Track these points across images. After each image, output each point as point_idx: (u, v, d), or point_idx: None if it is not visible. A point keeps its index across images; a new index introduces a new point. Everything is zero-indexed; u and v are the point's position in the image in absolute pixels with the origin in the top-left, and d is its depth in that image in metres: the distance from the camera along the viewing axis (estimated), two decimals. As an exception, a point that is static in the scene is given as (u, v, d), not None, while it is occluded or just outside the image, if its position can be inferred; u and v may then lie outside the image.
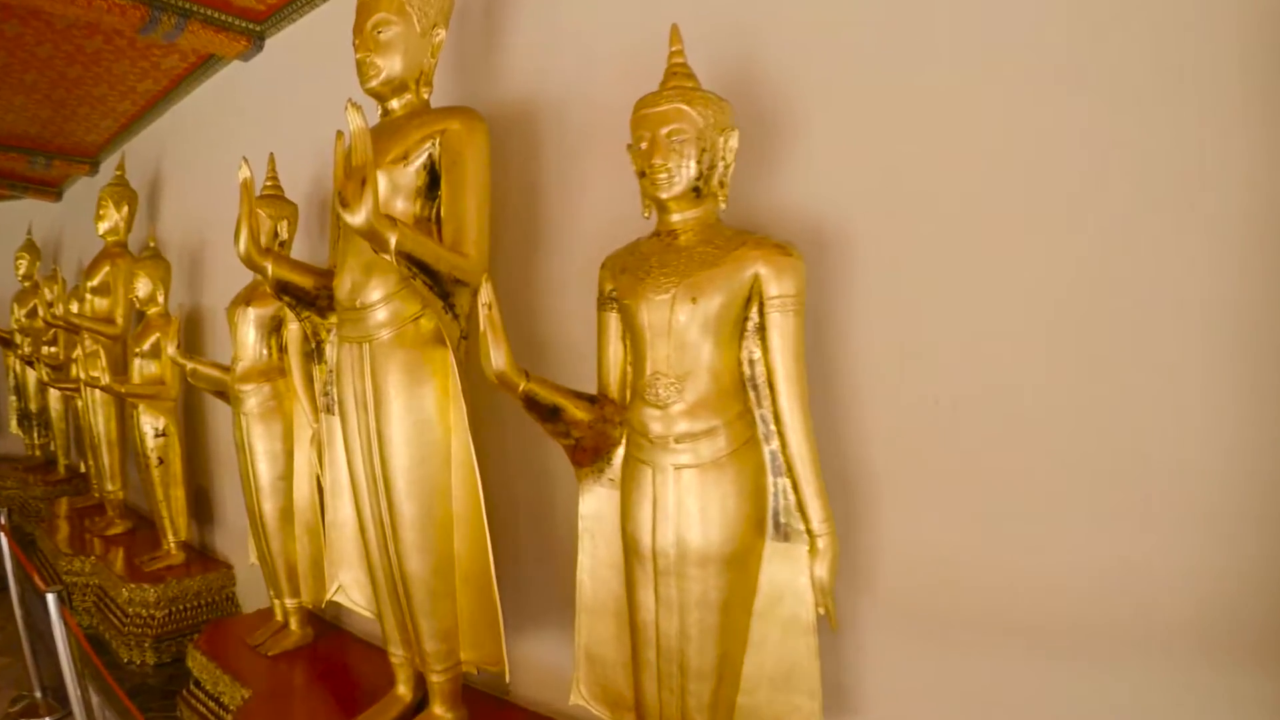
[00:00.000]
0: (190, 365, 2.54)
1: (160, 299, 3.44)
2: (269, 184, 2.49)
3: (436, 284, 1.56)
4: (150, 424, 3.38)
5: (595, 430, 1.40)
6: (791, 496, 1.28)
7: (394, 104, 1.80)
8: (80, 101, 3.79)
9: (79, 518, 4.27)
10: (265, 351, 2.43)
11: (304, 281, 1.86)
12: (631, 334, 1.36)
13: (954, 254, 1.33)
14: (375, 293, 1.68)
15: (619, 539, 1.38)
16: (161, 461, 3.39)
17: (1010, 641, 1.30)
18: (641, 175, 1.31)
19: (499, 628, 1.65)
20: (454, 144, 1.65)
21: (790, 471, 1.27)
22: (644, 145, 1.29)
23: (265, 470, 2.40)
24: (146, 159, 4.16)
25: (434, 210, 1.73)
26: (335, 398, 1.91)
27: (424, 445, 1.69)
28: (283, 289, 1.86)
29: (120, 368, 3.62)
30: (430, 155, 1.68)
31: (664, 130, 1.26)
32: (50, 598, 1.83)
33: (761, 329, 1.27)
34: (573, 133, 1.94)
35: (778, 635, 1.31)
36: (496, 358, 1.29)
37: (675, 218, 1.33)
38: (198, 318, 3.71)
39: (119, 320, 3.76)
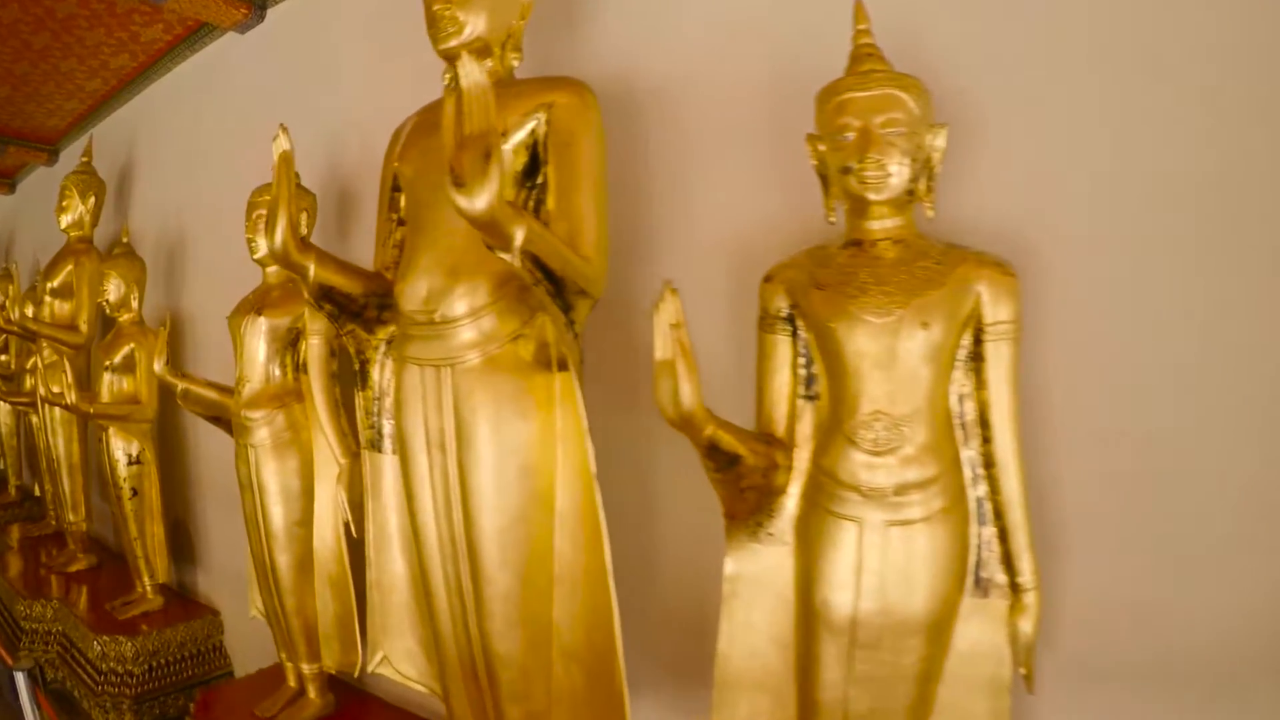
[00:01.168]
0: (182, 386, 2.12)
1: (134, 303, 3.00)
2: (283, 171, 2.09)
3: (560, 294, 1.22)
4: (123, 449, 2.94)
5: (767, 479, 1.20)
6: (996, 547, 1.15)
7: None
8: (45, 77, 3.31)
9: (34, 549, 3.78)
10: (278, 371, 2.02)
11: (352, 287, 1.49)
12: (829, 362, 1.15)
13: (1151, 278, 1.15)
14: (462, 303, 1.33)
15: (780, 605, 1.23)
16: (136, 493, 2.94)
17: (1203, 696, 1.13)
18: (845, 171, 1.11)
19: (623, 711, 1.33)
20: (566, 121, 1.33)
21: (1000, 519, 1.14)
22: (850, 136, 1.10)
23: (279, 514, 2.00)
24: (115, 145, 3.68)
25: (528, 199, 1.39)
26: (394, 433, 1.55)
27: (523, 496, 1.36)
28: (325, 296, 1.48)
29: (85, 383, 3.16)
30: (533, 132, 1.34)
31: (877, 120, 1.08)
32: (19, 676, 1.43)
33: (975, 359, 1.12)
34: (678, 122, 1.62)
35: (966, 699, 1.18)
36: (688, 394, 1.03)
37: (877, 225, 1.14)
38: (175, 326, 3.25)
39: (83, 327, 3.30)
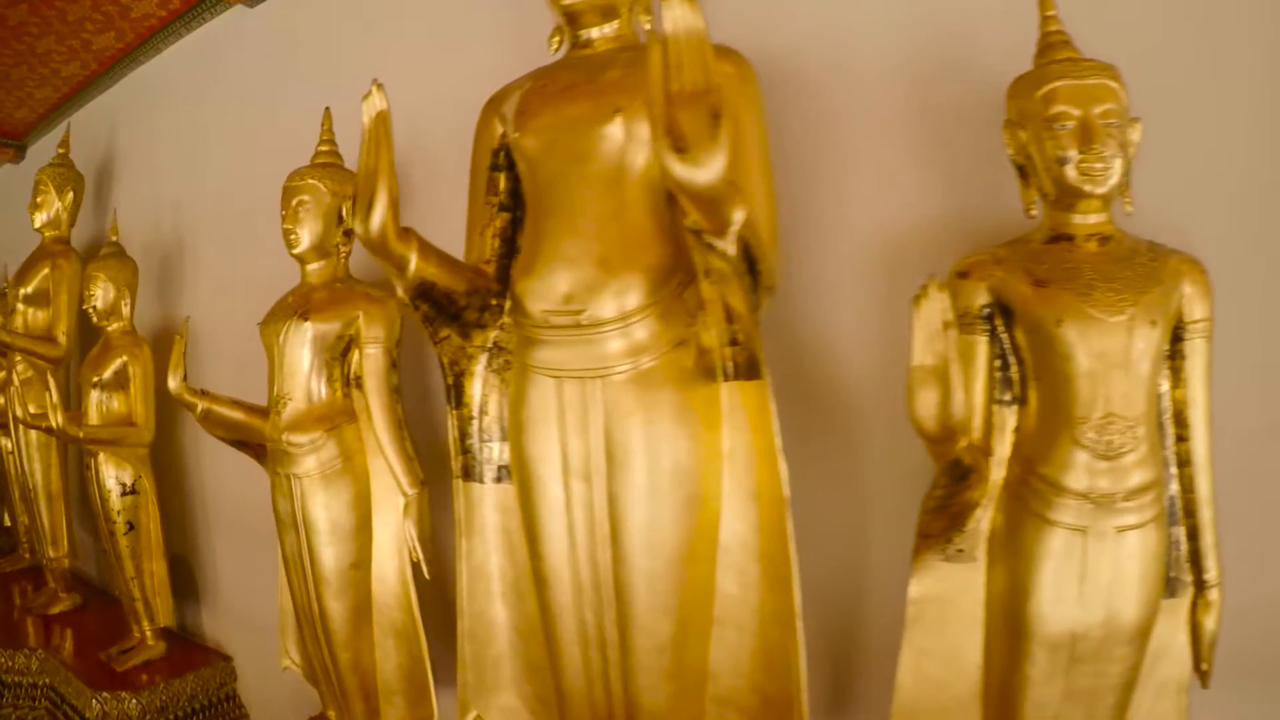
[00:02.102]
0: (202, 406, 1.81)
1: (125, 310, 2.65)
2: (325, 148, 1.81)
3: (756, 289, 1.05)
4: (115, 477, 2.59)
5: (973, 490, 1.13)
6: (1184, 546, 1.15)
7: (595, 33, 1.29)
8: (18, 60, 2.95)
9: (5, 586, 3.38)
10: (324, 387, 1.72)
11: (454, 283, 1.26)
12: (1050, 363, 1.09)
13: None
14: (616, 302, 1.13)
15: (966, 627, 1.17)
16: (132, 526, 2.60)
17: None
18: (1061, 162, 1.07)
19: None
20: (725, 94, 1.09)
21: (1191, 518, 1.14)
22: (1069, 125, 1.06)
23: (331, 556, 1.70)
24: (94, 137, 3.32)
25: None
26: (509, 459, 1.32)
27: (687, 531, 1.18)
28: (423, 294, 1.24)
29: (69, 402, 2.81)
30: None
31: (1095, 110, 1.05)
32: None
33: (1174, 356, 1.12)
34: (823, 100, 1.43)
35: (1154, 701, 1.16)
36: (959, 406, 0.97)
37: (1089, 219, 1.10)
38: (168, 339, 2.89)
39: (61, 338, 2.95)
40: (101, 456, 2.58)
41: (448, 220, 1.89)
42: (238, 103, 2.61)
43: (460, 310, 1.29)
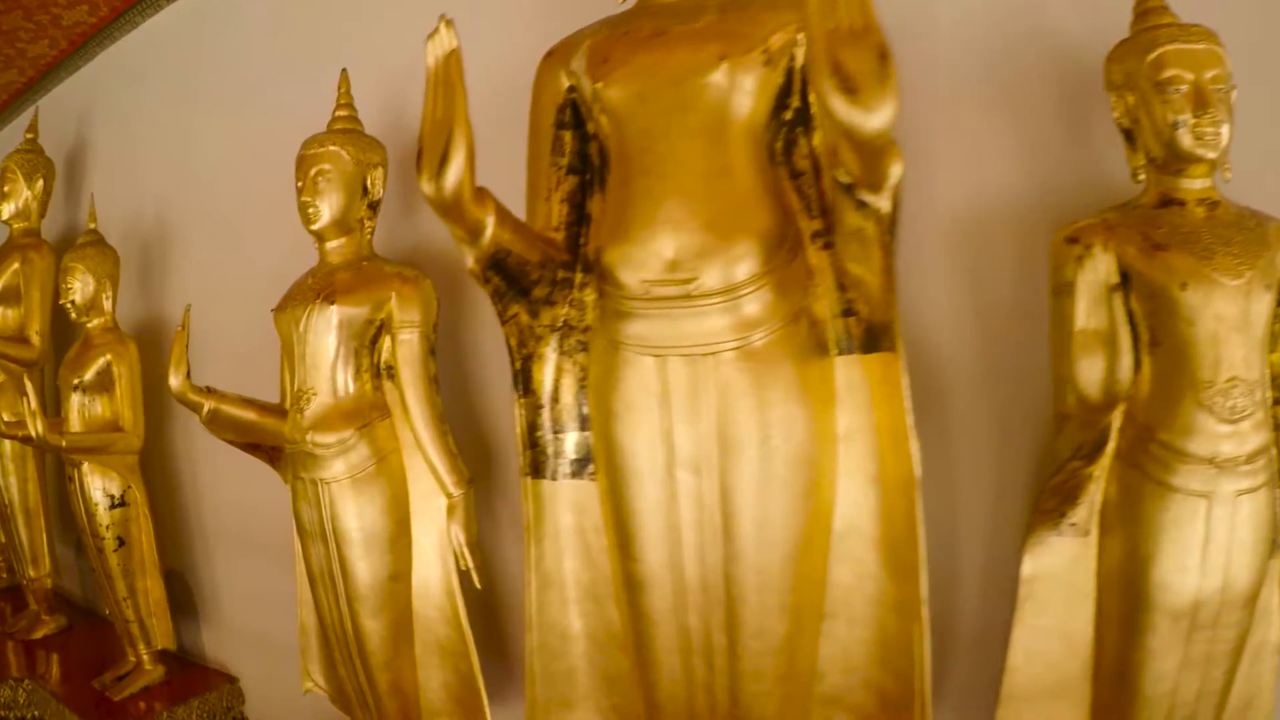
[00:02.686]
0: (209, 406, 1.61)
1: (106, 304, 2.43)
2: (343, 113, 1.61)
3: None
4: (102, 488, 2.37)
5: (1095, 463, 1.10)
6: None
7: None
8: (-25, 35, 2.69)
9: (-21, 609, 3.13)
10: (352, 380, 1.53)
11: (529, 252, 1.12)
12: (1173, 326, 1.06)
13: None
14: (731, 270, 1.02)
15: (1076, 602, 1.14)
16: (123, 542, 2.38)
17: None
18: (1175, 126, 1.06)
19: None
20: None
21: None
22: (1184, 89, 1.05)
23: (366, 570, 1.51)
24: (65, 120, 3.06)
25: (782, 139, 1.11)
26: (600, 451, 1.17)
27: (805, 522, 1.09)
28: (496, 265, 1.10)
29: (45, 407, 2.56)
30: (793, 53, 1.07)
31: (1207, 75, 1.05)
32: None
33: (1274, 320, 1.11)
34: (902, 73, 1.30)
35: (1251, 665, 1.14)
36: (1125, 369, 1.02)
37: (1197, 184, 1.09)
38: (153, 335, 2.68)
39: (35, 339, 2.72)
40: (86, 466, 2.35)
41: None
42: (228, 76, 2.39)
43: (531, 285, 1.16)
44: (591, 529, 1.23)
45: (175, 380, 1.59)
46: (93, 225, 2.44)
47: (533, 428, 1.23)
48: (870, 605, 1.13)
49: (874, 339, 1.08)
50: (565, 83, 1.19)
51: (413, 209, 1.82)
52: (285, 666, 2.31)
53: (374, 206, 1.58)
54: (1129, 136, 1.12)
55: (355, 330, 1.51)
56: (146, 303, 2.74)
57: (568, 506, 1.24)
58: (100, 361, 2.38)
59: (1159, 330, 1.09)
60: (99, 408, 2.41)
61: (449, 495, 1.48)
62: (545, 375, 1.22)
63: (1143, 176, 1.13)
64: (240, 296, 2.29)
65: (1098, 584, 1.15)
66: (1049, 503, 1.13)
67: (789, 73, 1.08)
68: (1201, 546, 1.08)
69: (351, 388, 1.53)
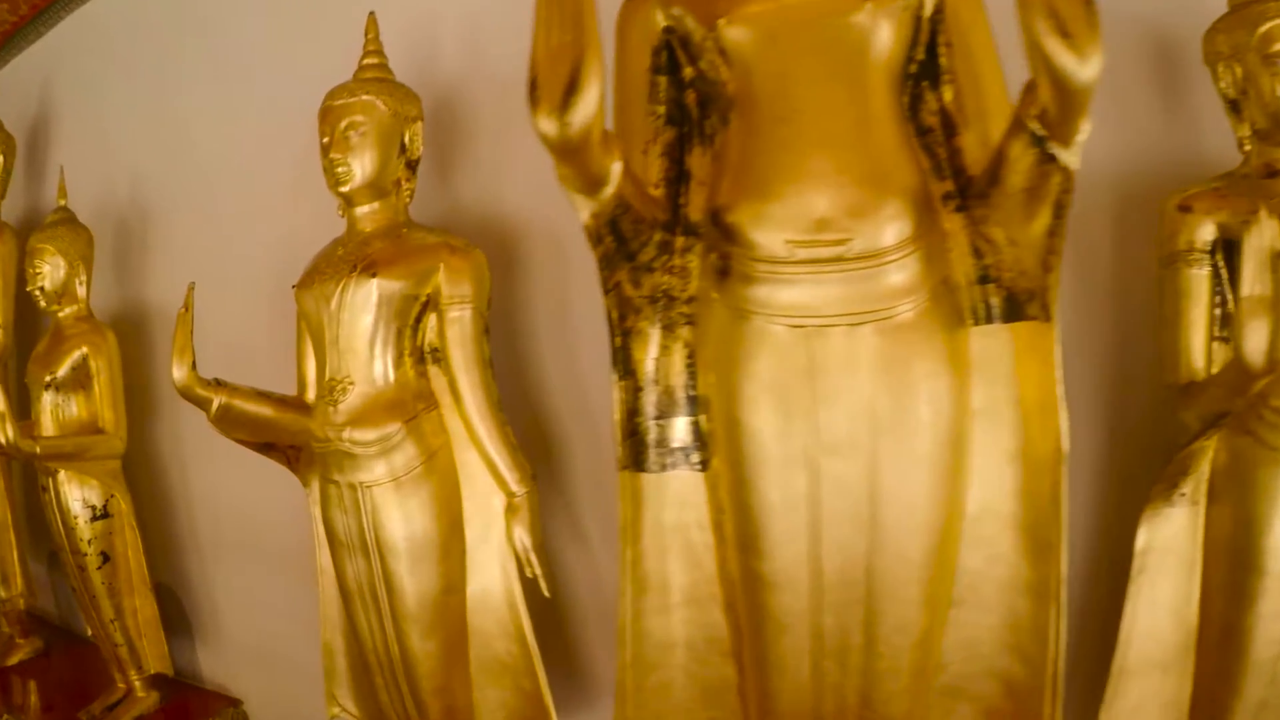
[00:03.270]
0: (220, 401, 1.39)
1: (80, 290, 2.17)
2: (373, 60, 1.40)
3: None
4: (82, 498, 2.12)
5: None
6: None
7: None
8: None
9: (-62, 635, 2.84)
10: (392, 366, 1.33)
11: (646, 209, 1.00)
12: None
13: None
14: (889, 229, 0.93)
15: (1184, 572, 1.13)
16: (108, 558, 2.14)
17: None
18: None
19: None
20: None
21: None
22: None
23: (415, 585, 1.31)
24: (26, 92, 2.76)
25: (908, 94, 1.03)
26: (726, 437, 1.03)
27: (949, 503, 1.01)
28: (612, 222, 0.95)
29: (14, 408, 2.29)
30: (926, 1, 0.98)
31: None
32: None
33: None
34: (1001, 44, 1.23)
35: None
36: None
37: None
38: (132, 324, 2.42)
39: (-3, 333, 2.45)
40: (62, 474, 2.10)
41: (521, 153, 1.53)
42: (212, 33, 2.14)
43: (639, 248, 1.02)
44: (695, 525, 1.11)
45: (179, 372, 1.37)
46: (63, 202, 2.17)
47: (633, 414, 1.08)
48: (1001, 590, 1.06)
49: (1017, 306, 0.99)
50: (660, 22, 1.07)
51: (446, 168, 1.62)
52: (295, 686, 2.10)
53: (412, 166, 1.38)
54: (1235, 107, 1.13)
55: (397, 308, 1.30)
56: (122, 289, 2.48)
57: (669, 502, 1.11)
58: (75, 355, 2.13)
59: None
60: (75, 408, 2.16)
61: (511, 494, 1.31)
62: (647, 354, 1.08)
63: (1248, 147, 1.13)
64: (230, 278, 2.06)
65: (1205, 552, 1.15)
66: (1168, 473, 1.12)
67: (917, 21, 1.01)
68: None
69: (392, 375, 1.32)
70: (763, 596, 1.04)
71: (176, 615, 2.44)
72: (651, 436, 1.07)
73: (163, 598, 2.34)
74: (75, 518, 2.10)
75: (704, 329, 1.05)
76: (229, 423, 1.43)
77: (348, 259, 1.32)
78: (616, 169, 0.90)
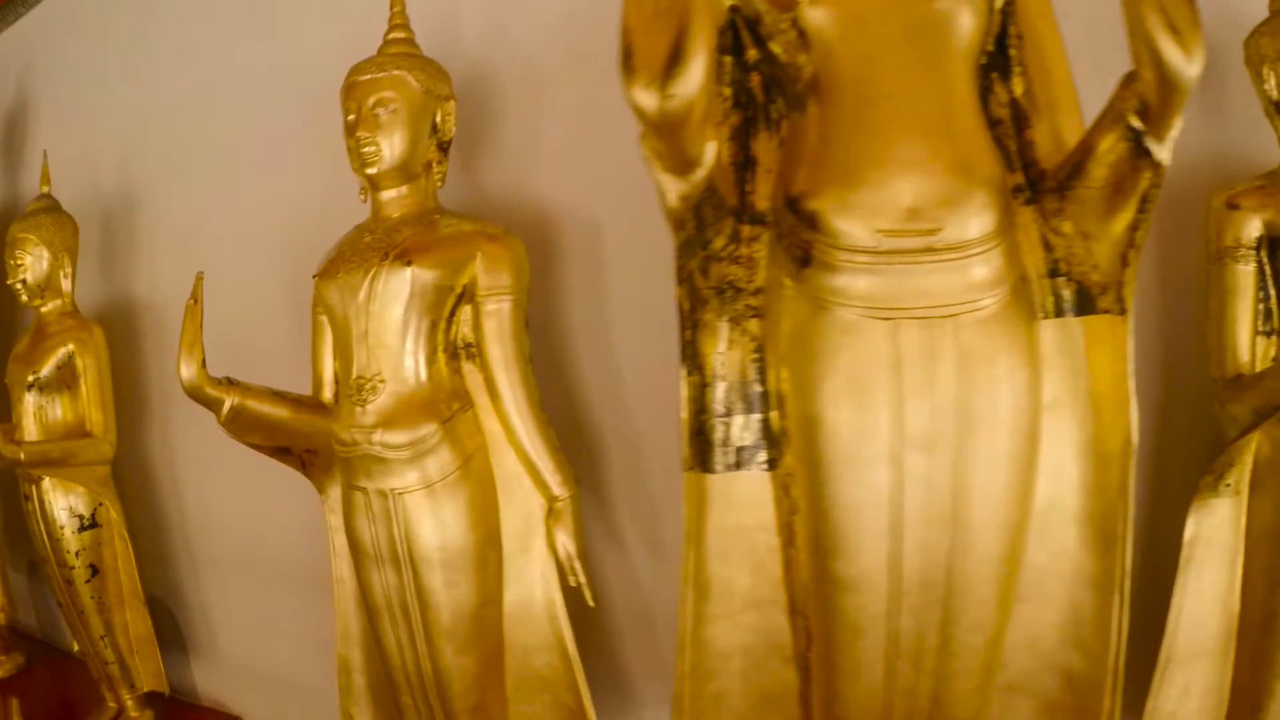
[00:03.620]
0: (232, 402, 1.28)
1: (65, 284, 2.04)
2: (399, 34, 1.30)
3: None
4: (68, 507, 1.99)
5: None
6: None
7: None
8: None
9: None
10: (424, 364, 1.23)
11: (728, 195, 0.98)
12: None
13: None
14: (970, 222, 0.90)
15: (1227, 561, 1.15)
16: (96, 571, 2.01)
17: None
18: None
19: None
20: None
21: None
22: None
23: (450, 599, 1.22)
24: (1, 76, 2.61)
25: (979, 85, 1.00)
26: (803, 435, 0.98)
27: (1026, 501, 0.98)
28: (697, 206, 0.91)
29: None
30: None
31: None
32: None
33: None
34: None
35: None
36: None
37: None
38: (120, 320, 2.29)
39: (-30, 332, 2.31)
40: (47, 481, 1.98)
41: (550, 138, 1.45)
42: (199, 11, 2.02)
43: (713, 235, 0.97)
44: (758, 527, 1.07)
45: (188, 370, 1.26)
46: (46, 189, 2.04)
47: (699, 412, 1.01)
48: (1064, 584, 1.05)
49: (1089, 300, 0.99)
50: (727, 0, 1.02)
51: (473, 151, 1.52)
52: (298, 703, 2.00)
53: (444, 148, 1.28)
54: (1278, 109, 1.16)
55: (431, 300, 1.21)
56: (109, 282, 2.35)
57: (734, 503, 1.05)
58: (60, 353, 2.00)
59: None
60: (60, 410, 2.03)
61: (553, 498, 1.23)
62: (714, 348, 1.02)
63: None
64: (228, 272, 1.94)
65: (1248, 540, 1.17)
66: (1216, 465, 1.15)
67: (989, 12, 0.99)
68: None
69: (425, 373, 1.23)
70: (838, 599, 1.00)
71: (170, 630, 2.32)
72: (718, 435, 1.01)
73: (155, 611, 2.22)
74: (61, 528, 1.98)
75: (774, 322, 1.00)
76: (242, 425, 1.33)
77: (376, 246, 1.22)
78: (711, 150, 0.85)
